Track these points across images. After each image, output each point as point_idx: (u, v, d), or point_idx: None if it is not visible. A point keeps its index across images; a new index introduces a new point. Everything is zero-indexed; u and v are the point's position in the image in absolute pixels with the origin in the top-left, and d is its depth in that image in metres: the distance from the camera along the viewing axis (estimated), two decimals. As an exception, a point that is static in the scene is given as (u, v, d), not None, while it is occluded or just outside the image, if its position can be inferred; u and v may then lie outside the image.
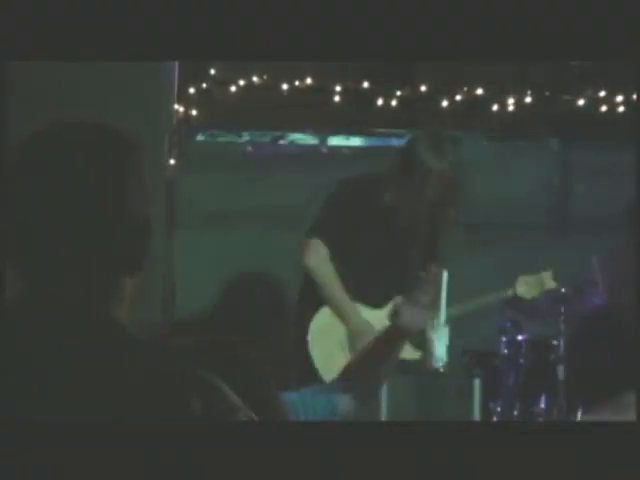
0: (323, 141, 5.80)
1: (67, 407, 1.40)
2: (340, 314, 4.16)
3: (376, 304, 4.20)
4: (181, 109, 5.16)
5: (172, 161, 4.79)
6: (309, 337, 4.14)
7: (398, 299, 3.79)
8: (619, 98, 5.49)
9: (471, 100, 5.49)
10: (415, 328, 2.56)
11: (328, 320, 4.16)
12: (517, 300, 4.39)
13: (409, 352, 3.67)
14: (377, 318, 4.11)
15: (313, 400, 2.39)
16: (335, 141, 5.83)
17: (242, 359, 1.70)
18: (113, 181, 1.47)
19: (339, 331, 4.16)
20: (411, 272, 3.77)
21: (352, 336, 4.13)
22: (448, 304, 2.70)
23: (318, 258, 4.11)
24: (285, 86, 5.36)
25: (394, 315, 2.65)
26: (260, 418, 1.51)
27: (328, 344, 4.14)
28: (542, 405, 4.35)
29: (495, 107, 5.52)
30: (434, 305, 2.63)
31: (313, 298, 4.17)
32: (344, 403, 2.42)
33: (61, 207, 1.45)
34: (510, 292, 4.37)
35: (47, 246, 1.46)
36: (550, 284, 4.39)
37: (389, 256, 4.21)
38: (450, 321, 2.70)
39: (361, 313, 4.17)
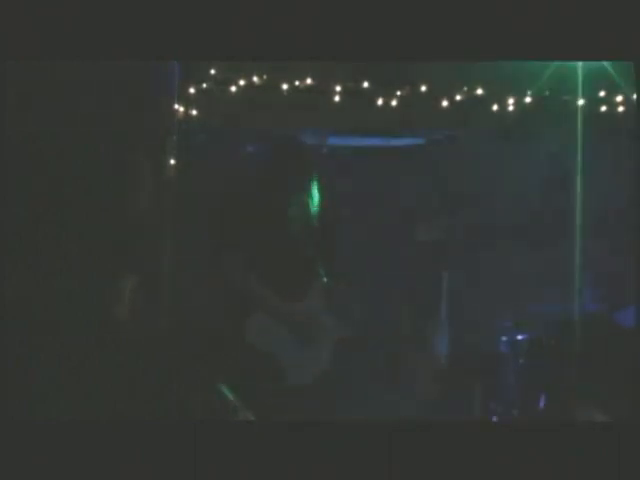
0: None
1: (67, 406, 1.40)
2: (274, 311, 4.14)
3: (294, 299, 4.21)
4: (181, 109, 5.16)
5: (172, 161, 4.79)
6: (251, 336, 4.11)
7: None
8: (619, 98, 5.49)
9: (471, 100, 5.50)
10: None
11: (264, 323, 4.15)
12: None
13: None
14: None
15: None
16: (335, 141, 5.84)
17: None
18: (114, 180, 1.48)
19: (279, 327, 4.14)
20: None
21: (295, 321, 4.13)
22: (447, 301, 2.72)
23: (238, 269, 4.13)
24: (285, 86, 5.37)
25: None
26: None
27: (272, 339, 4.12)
28: (541, 405, 4.36)
29: (495, 107, 5.53)
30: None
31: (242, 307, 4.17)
32: None
33: (61, 205, 1.46)
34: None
35: (47, 245, 1.46)
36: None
37: (290, 253, 4.25)
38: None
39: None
